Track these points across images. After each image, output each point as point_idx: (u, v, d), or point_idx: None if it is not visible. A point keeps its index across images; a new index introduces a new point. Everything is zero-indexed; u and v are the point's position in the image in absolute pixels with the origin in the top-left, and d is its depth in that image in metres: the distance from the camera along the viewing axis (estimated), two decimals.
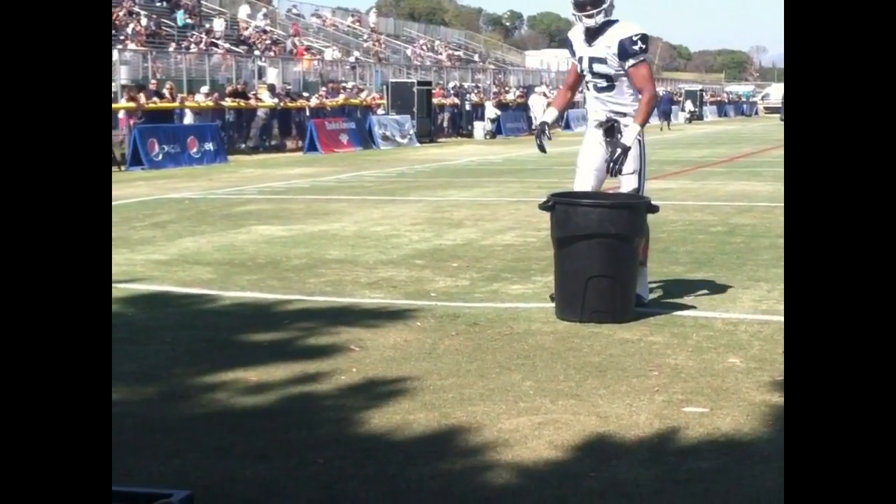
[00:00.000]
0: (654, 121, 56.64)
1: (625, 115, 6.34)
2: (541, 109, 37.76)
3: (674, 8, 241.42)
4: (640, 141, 6.33)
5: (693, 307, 6.43)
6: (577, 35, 6.47)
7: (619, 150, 6.19)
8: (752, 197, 13.66)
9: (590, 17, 6.20)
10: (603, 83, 6.34)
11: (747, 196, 13.83)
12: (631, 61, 6.22)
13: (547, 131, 6.60)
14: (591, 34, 6.30)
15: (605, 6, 6.19)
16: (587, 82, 6.44)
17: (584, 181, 6.48)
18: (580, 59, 6.41)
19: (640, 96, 6.28)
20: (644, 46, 6.26)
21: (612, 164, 6.22)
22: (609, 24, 6.25)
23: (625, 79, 6.30)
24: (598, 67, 6.30)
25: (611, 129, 6.32)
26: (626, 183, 6.39)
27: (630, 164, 6.30)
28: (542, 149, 6.57)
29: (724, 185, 15.85)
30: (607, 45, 6.24)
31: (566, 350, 5.39)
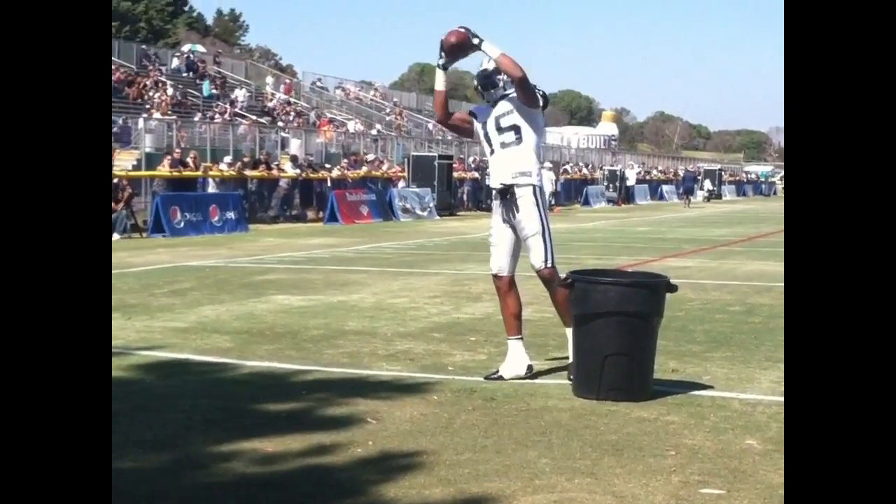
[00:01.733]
0: (675, 199, 56.97)
1: (528, 174, 6.45)
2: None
3: (693, 88, 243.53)
4: (539, 204, 6.45)
5: (710, 387, 6.41)
6: (482, 107, 6.72)
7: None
8: (770, 277, 13.63)
9: (488, 93, 6.57)
10: (511, 137, 6.47)
11: (766, 276, 13.80)
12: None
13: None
14: (493, 102, 6.58)
15: (500, 85, 6.48)
16: (493, 146, 6.56)
17: (499, 257, 6.65)
18: (483, 125, 6.60)
19: (537, 158, 6.52)
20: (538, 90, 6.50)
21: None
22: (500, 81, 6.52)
23: (531, 132, 6.44)
24: (504, 121, 6.47)
25: (504, 194, 6.46)
26: (534, 247, 6.47)
27: (532, 225, 6.44)
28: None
29: (743, 265, 15.83)
30: (511, 97, 6.48)
31: (583, 427, 5.37)
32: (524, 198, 6.45)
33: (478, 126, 6.69)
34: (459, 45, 6.37)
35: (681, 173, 66.09)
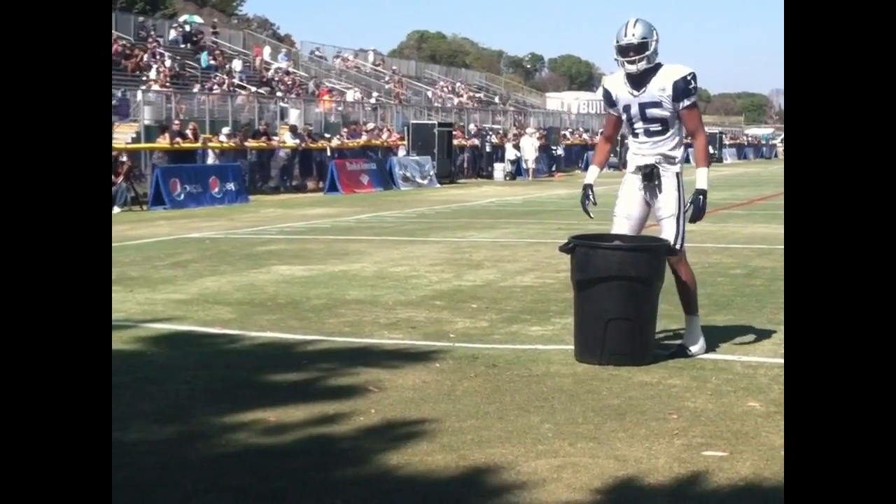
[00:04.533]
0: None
1: (672, 158, 6.33)
2: (531, 152, 37.84)
3: (694, 51, 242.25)
4: (680, 186, 6.34)
5: (712, 350, 6.41)
6: (617, 84, 6.39)
7: (697, 198, 6.21)
8: (771, 240, 13.62)
9: (632, 62, 6.16)
10: (657, 127, 6.28)
11: (767, 239, 13.80)
12: (686, 102, 6.20)
13: (591, 195, 6.50)
14: (637, 80, 6.25)
15: (648, 53, 6.16)
16: (635, 130, 6.37)
17: (621, 229, 6.42)
18: (626, 108, 6.33)
19: (681, 145, 6.33)
20: (696, 86, 6.28)
21: (695, 214, 6.22)
22: (655, 68, 6.23)
23: (677, 122, 6.29)
24: (651, 112, 6.24)
25: (650, 174, 6.29)
26: (668, 228, 6.32)
27: (671, 206, 6.30)
28: (588, 213, 6.50)
29: (744, 228, 15.83)
30: (661, 87, 6.20)
31: (585, 392, 5.38)
32: (668, 180, 6.28)
33: (620, 108, 6.40)
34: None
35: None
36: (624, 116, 6.39)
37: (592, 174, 6.61)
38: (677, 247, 6.28)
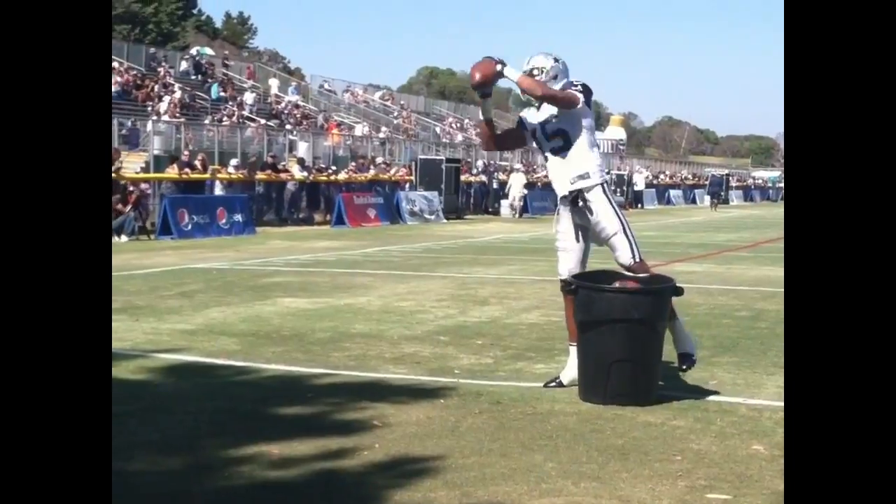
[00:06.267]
0: (682, 203, 56.98)
1: (586, 174, 6.34)
2: (519, 188, 37.85)
3: (702, 93, 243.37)
4: (610, 199, 6.37)
5: (717, 392, 6.41)
6: (531, 111, 6.61)
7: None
8: (777, 282, 13.60)
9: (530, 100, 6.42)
10: (558, 143, 6.38)
11: (772, 281, 13.78)
12: (558, 84, 6.31)
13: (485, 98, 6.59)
14: (538, 106, 6.49)
15: (540, 77, 6.31)
16: (545, 153, 6.51)
17: (571, 262, 6.47)
18: (533, 131, 6.53)
19: (594, 153, 6.41)
20: (566, 69, 6.40)
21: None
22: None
23: (580, 134, 6.34)
24: (550, 127, 6.40)
25: (575, 200, 6.35)
26: (619, 245, 6.34)
27: (611, 223, 6.33)
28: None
29: (750, 270, 15.82)
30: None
31: (589, 432, 5.38)
32: (595, 199, 6.31)
33: (527, 133, 6.58)
34: (485, 79, 6.28)
35: (690, 178, 66.19)
36: (534, 145, 6.62)
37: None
38: (636, 259, 6.33)
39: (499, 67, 6.25)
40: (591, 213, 6.33)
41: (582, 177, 6.34)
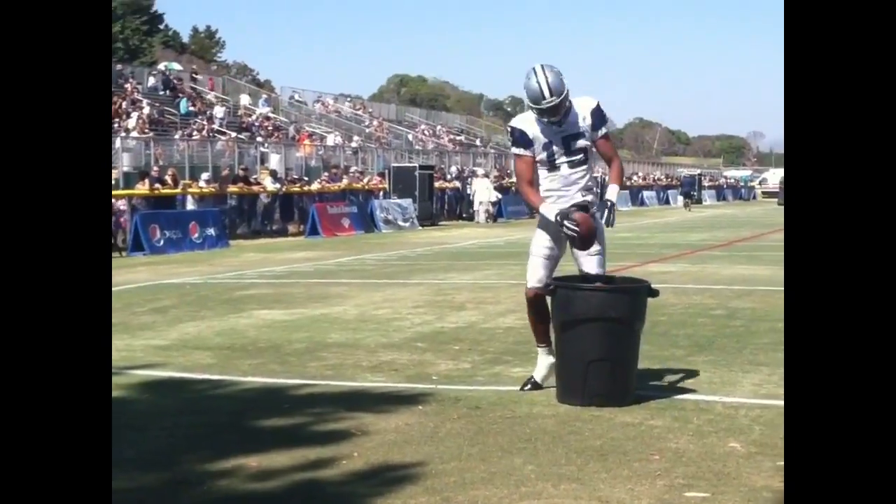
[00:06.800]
0: (656, 204, 57.24)
1: (591, 189, 6.44)
2: (485, 193, 37.67)
3: (673, 94, 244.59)
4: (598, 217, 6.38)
5: (693, 391, 6.43)
6: (530, 124, 6.37)
7: (607, 208, 6.19)
8: (751, 281, 13.69)
9: (557, 113, 6.21)
10: (580, 157, 6.37)
11: (747, 280, 13.87)
12: (603, 129, 6.35)
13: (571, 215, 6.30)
14: (556, 119, 6.27)
15: (565, 97, 6.20)
16: (556, 164, 6.37)
17: (547, 271, 6.44)
18: (547, 144, 6.32)
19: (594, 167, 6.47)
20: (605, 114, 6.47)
21: (610, 220, 6.21)
22: (567, 103, 6.29)
23: (593, 151, 6.41)
24: (576, 144, 6.34)
25: (585, 208, 6.32)
26: (597, 261, 6.37)
27: (601, 239, 6.35)
28: (573, 234, 6.30)
29: (724, 269, 15.90)
30: (582, 117, 6.29)
31: (567, 433, 5.38)
32: (597, 214, 6.31)
33: (538, 147, 6.36)
34: (591, 231, 6.20)
35: (663, 179, 66.51)
36: (542, 155, 6.37)
37: (550, 205, 6.35)
38: (604, 269, 6.42)
39: (592, 210, 6.30)
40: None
41: (588, 191, 6.41)
